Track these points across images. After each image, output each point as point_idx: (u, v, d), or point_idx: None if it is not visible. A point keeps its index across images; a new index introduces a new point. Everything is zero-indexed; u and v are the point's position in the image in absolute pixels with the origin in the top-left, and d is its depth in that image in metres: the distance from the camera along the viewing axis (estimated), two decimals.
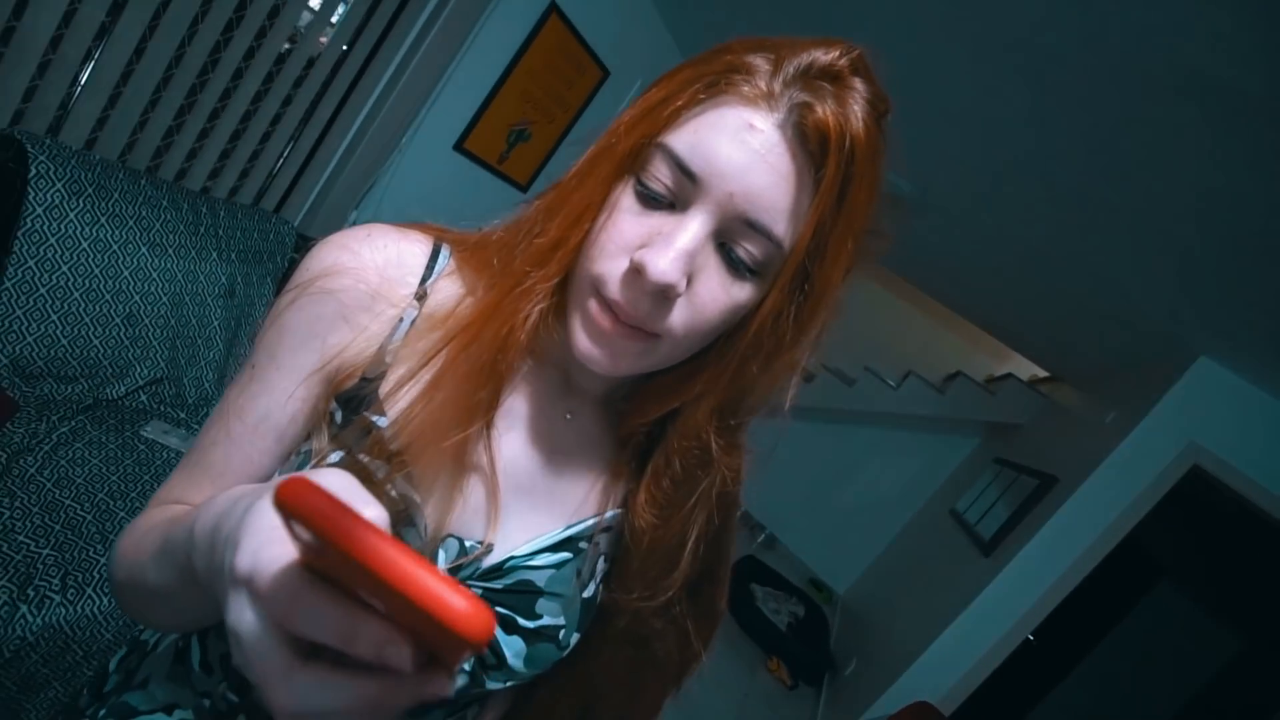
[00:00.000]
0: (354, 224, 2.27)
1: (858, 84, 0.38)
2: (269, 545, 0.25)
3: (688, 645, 0.54)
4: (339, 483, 0.27)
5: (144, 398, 1.46)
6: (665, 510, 0.48)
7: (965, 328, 4.79)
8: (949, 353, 5.23)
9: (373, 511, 0.26)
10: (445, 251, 0.48)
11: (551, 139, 2.73)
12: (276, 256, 1.74)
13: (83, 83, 1.47)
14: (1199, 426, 2.31)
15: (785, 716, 3.13)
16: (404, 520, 0.43)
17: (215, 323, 1.55)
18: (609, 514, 0.51)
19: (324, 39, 1.87)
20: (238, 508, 0.29)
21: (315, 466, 0.44)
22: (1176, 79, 1.24)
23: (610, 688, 0.55)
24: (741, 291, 0.40)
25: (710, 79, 0.39)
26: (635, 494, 0.49)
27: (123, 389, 1.41)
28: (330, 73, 1.94)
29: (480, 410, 0.44)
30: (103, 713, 0.51)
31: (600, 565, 0.51)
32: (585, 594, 0.50)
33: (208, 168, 1.83)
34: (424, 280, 0.46)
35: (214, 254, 1.54)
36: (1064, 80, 1.48)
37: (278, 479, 0.28)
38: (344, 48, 1.91)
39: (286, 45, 1.81)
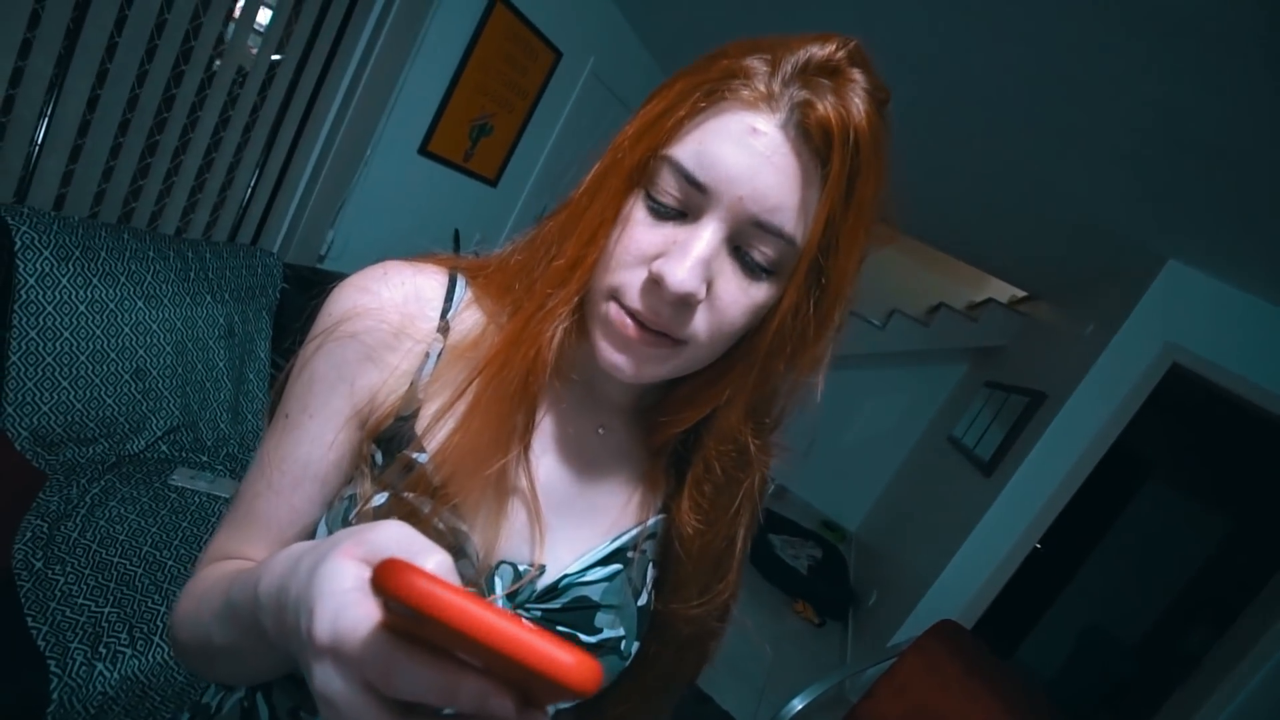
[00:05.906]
0: (332, 243, 2.28)
1: (857, 75, 0.38)
2: (346, 610, 0.24)
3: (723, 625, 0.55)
4: (398, 533, 0.27)
5: (164, 447, 1.47)
6: (710, 515, 0.48)
7: (942, 260, 4.87)
8: (929, 287, 5.33)
9: (436, 558, 0.26)
10: (461, 282, 0.48)
11: (514, 128, 2.71)
12: (268, 290, 1.74)
13: (40, 141, 1.45)
14: (1174, 327, 2.37)
15: (817, 652, 3.28)
16: (456, 552, 0.42)
17: (220, 364, 1.56)
18: (650, 521, 0.51)
19: (273, 56, 1.84)
20: (300, 569, 0.28)
21: (360, 510, 0.44)
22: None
23: (673, 689, 0.55)
24: (760, 292, 0.40)
25: (708, 87, 0.38)
26: (678, 501, 0.49)
27: (143, 442, 1.43)
28: (286, 95, 1.91)
29: (517, 435, 0.44)
30: None
31: (650, 571, 0.51)
32: (640, 602, 0.50)
33: (179, 209, 1.82)
34: (445, 313, 0.46)
35: (208, 297, 1.54)
36: (1011, 12, 1.52)
37: (337, 535, 0.29)
38: (294, 67, 1.88)
39: (238, 72, 1.79)
